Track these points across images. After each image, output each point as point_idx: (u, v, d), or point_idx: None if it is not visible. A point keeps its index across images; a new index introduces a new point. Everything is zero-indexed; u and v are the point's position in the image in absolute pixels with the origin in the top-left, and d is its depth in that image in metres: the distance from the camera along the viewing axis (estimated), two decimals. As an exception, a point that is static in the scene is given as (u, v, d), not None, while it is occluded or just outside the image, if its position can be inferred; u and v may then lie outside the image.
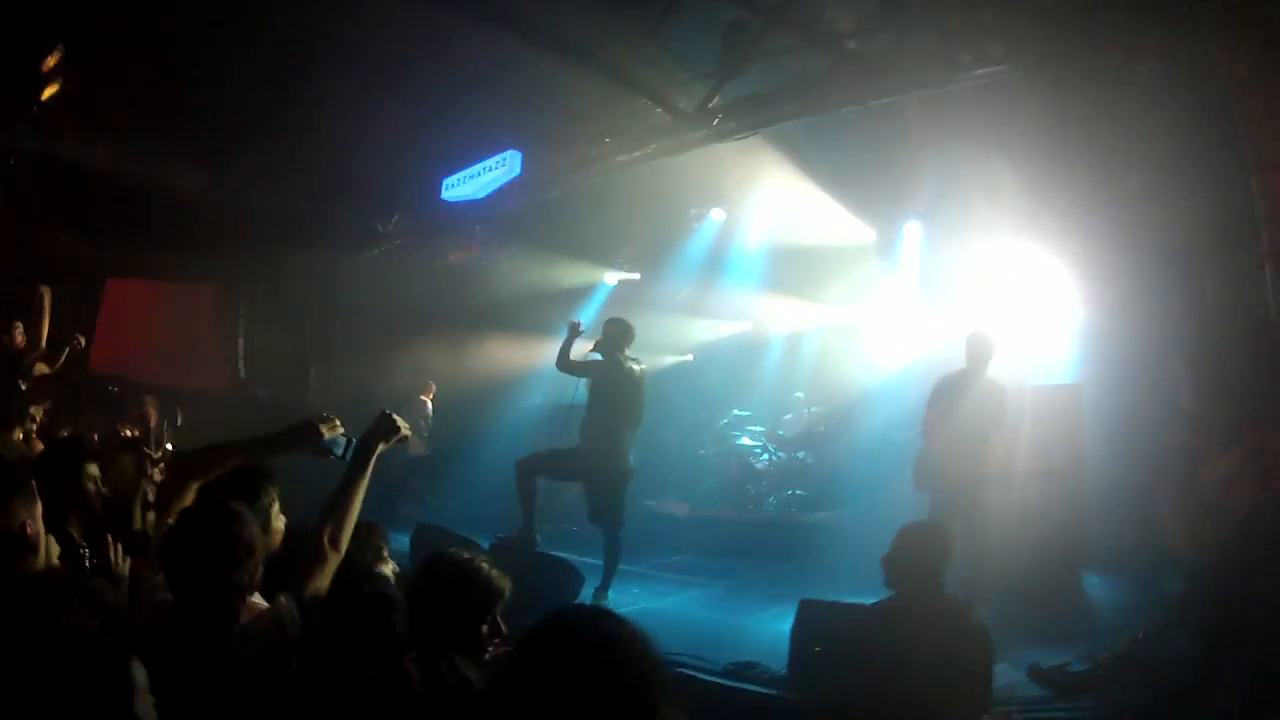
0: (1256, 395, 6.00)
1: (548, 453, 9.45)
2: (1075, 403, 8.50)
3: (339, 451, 3.97)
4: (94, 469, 4.98)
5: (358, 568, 3.98)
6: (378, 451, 3.89)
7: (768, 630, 7.92)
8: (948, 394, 8.03)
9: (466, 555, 3.62)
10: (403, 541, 9.72)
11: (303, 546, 3.84)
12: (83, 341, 8.69)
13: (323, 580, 3.66)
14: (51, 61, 9.52)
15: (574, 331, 9.27)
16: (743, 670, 6.76)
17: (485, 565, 3.55)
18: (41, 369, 9.19)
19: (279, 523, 4.05)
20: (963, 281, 10.06)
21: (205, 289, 15.78)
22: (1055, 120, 7.75)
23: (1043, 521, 8.00)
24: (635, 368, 9.07)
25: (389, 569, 4.63)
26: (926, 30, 8.27)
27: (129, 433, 9.56)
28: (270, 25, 8.84)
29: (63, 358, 9.41)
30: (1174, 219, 6.70)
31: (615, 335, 9.09)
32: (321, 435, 3.95)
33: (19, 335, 8.07)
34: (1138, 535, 7.60)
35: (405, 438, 3.98)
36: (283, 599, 3.47)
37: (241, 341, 15.61)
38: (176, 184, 11.91)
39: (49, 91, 9.78)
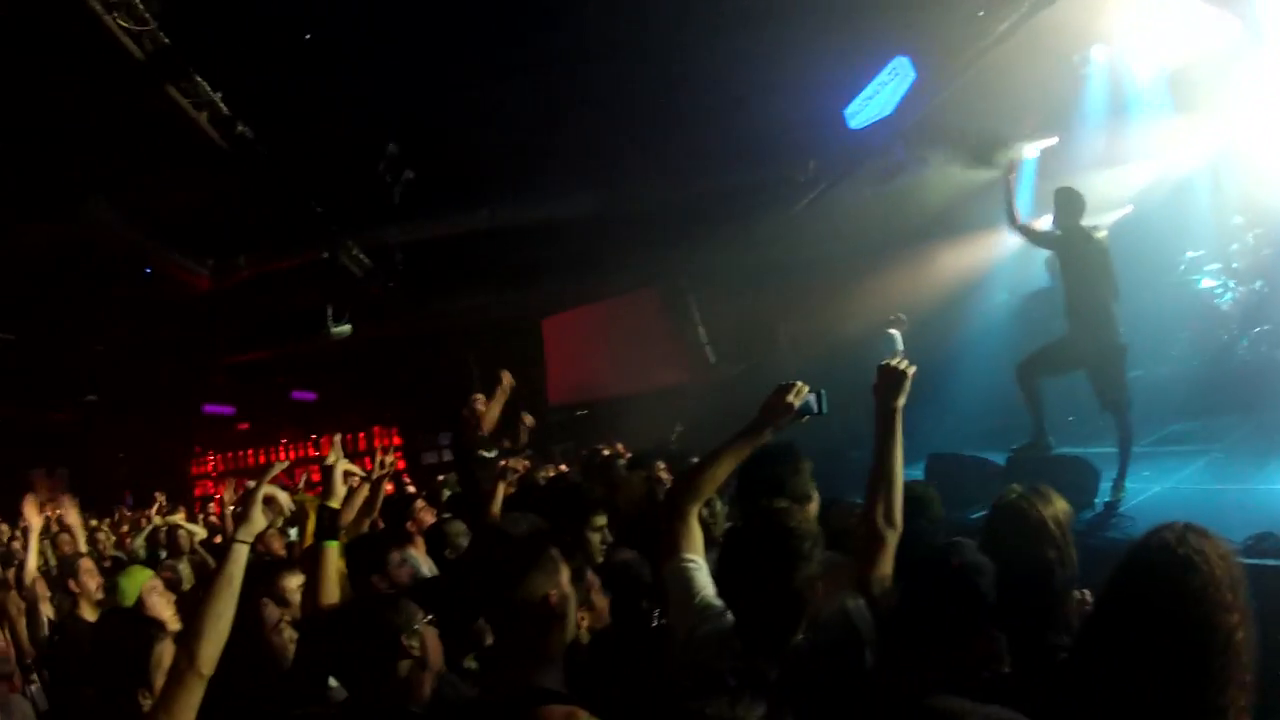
0: None
1: (1041, 351, 9.36)
2: None
3: (815, 408, 3.84)
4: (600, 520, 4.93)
5: (927, 538, 3.75)
6: (898, 408, 3.66)
7: (1273, 492, 7.96)
8: None
9: (1040, 497, 3.35)
10: (916, 475, 10.52)
11: (848, 533, 3.79)
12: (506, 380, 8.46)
13: (885, 565, 3.45)
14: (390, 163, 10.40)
15: (1010, 172, 9.40)
16: (1260, 544, 6.63)
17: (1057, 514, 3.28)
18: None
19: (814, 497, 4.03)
20: None
21: (642, 294, 16.72)
22: None
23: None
24: (1099, 235, 8.89)
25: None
26: None
27: (609, 451, 10.00)
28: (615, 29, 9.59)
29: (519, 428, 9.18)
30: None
31: (1067, 204, 8.93)
32: (789, 405, 3.76)
33: (480, 405, 8.05)
34: None
35: (910, 376, 3.71)
36: (849, 600, 3.40)
37: (701, 329, 16.55)
38: (575, 213, 12.74)
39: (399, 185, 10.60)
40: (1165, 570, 2.03)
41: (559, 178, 12.21)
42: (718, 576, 3.30)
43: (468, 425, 7.97)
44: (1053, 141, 13.06)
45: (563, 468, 10.96)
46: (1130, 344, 9.33)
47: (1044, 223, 9.42)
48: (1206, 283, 12.43)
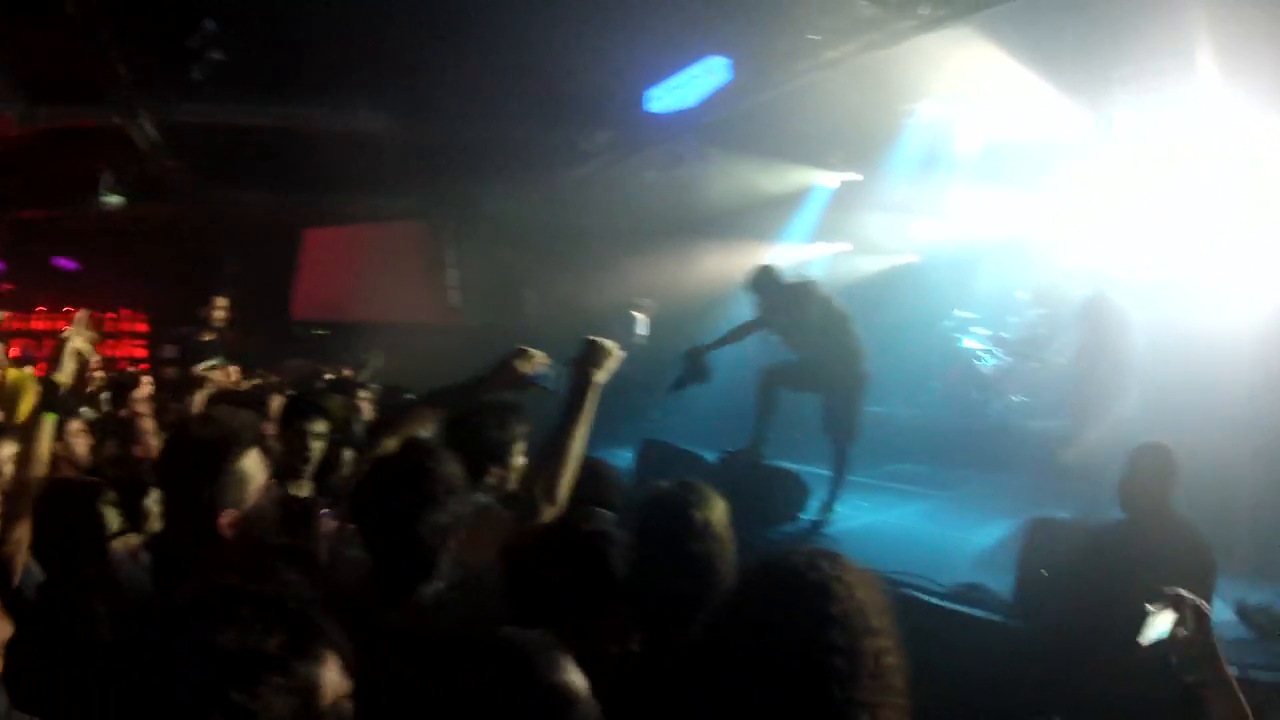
0: None
1: (787, 364, 9.47)
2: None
3: (549, 384, 3.80)
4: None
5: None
6: (597, 383, 3.55)
7: (991, 547, 7.96)
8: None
9: (691, 494, 3.14)
10: (625, 458, 10.10)
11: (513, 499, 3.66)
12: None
13: None
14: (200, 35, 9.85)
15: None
16: (967, 593, 6.80)
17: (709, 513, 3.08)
18: None
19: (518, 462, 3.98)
20: (1192, 168, 9.30)
21: (409, 227, 16.49)
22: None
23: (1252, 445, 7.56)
24: (814, 292, 9.09)
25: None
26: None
27: (337, 375, 9.95)
28: None
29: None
30: None
31: (765, 285, 9.15)
32: (520, 372, 3.72)
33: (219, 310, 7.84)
34: None
35: (618, 359, 3.65)
36: (485, 563, 3.18)
37: (452, 272, 16.28)
38: (364, 129, 12.32)
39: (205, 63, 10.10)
40: (795, 596, 1.92)
41: (356, 91, 11.72)
42: (352, 509, 3.20)
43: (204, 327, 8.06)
44: (856, 177, 13.07)
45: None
46: (879, 382, 9.65)
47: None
48: (970, 343, 12.55)
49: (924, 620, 6.26)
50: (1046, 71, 9.59)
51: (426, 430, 3.77)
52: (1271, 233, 8.58)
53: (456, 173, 13.86)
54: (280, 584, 1.77)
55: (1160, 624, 2.78)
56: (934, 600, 6.69)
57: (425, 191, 14.87)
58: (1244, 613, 6.18)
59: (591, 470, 3.88)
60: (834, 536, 8.47)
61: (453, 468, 3.09)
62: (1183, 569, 4.35)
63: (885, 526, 9.17)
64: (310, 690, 1.68)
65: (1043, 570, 6.17)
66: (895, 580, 6.73)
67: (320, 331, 14.70)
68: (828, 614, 1.87)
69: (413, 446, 3.23)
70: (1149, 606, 2.78)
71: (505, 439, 3.98)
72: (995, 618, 6.36)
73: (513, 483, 3.95)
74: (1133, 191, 10.28)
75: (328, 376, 9.74)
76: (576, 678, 1.78)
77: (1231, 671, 2.67)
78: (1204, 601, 2.75)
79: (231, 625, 1.62)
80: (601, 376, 3.56)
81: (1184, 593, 2.77)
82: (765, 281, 9.17)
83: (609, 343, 3.63)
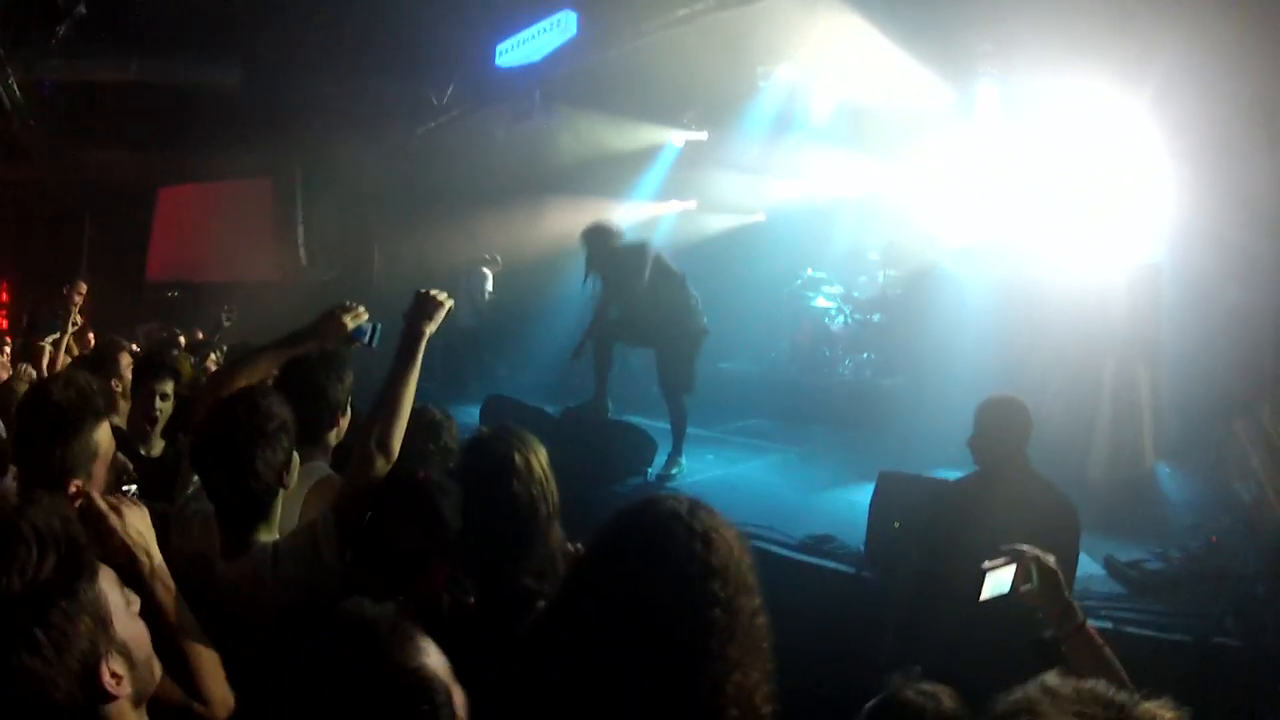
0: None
1: (620, 320, 9.21)
2: (1154, 284, 8.00)
3: (365, 339, 3.83)
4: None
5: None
6: (426, 334, 3.51)
7: (842, 501, 7.92)
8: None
9: (512, 436, 3.18)
10: (473, 414, 9.85)
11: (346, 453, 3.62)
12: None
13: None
14: None
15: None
16: (819, 544, 6.71)
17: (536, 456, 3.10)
18: None
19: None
20: (1041, 144, 9.47)
21: (259, 183, 16.02)
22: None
23: (1117, 405, 7.64)
24: (642, 250, 8.77)
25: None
26: None
27: (185, 338, 9.64)
28: None
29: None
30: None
31: (598, 240, 8.81)
32: (344, 325, 3.76)
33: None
34: (1212, 429, 7.27)
35: (448, 310, 3.61)
36: (319, 514, 3.18)
37: (301, 229, 15.77)
38: (215, 84, 12.00)
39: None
40: (677, 541, 1.85)
41: (209, 44, 11.39)
42: (192, 455, 3.17)
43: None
44: (701, 136, 13.00)
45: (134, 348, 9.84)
46: (727, 339, 9.89)
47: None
48: (821, 302, 12.54)
49: (776, 572, 6.19)
50: (908, 43, 9.60)
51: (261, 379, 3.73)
52: (1116, 204, 8.81)
53: (306, 129, 13.39)
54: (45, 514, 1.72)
55: (999, 580, 2.84)
56: (786, 552, 6.64)
57: (275, 148, 14.41)
58: (1114, 568, 6.32)
59: (428, 420, 4.15)
60: (683, 490, 7.79)
61: (284, 409, 3.12)
62: (1038, 521, 4.36)
63: (735, 480, 9.03)
64: (98, 606, 1.70)
65: (896, 522, 6.17)
66: (747, 533, 6.70)
67: (172, 293, 14.06)
68: (710, 564, 1.82)
69: (245, 390, 3.22)
70: (985, 564, 2.82)
71: (338, 390, 3.93)
72: (848, 569, 6.36)
73: (343, 433, 3.96)
74: (987, 162, 10.45)
75: (181, 339, 9.50)
76: (434, 659, 1.60)
77: (1093, 626, 2.72)
78: (1049, 556, 2.82)
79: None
80: (430, 327, 3.54)
81: (1024, 548, 2.83)
82: (596, 238, 8.84)
83: (439, 293, 3.59)
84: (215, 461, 3.00)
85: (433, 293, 3.57)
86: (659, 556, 1.83)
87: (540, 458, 3.11)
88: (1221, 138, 7.32)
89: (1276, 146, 6.88)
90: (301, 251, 15.85)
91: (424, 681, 1.53)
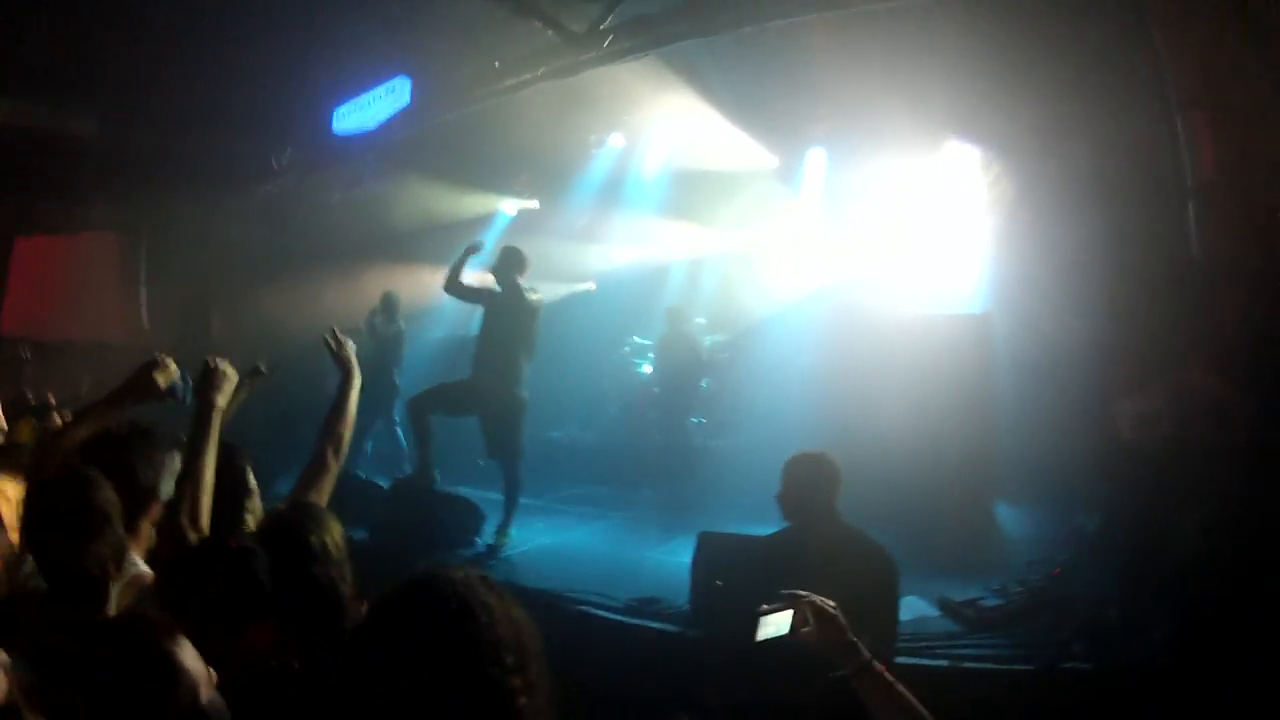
0: (1175, 333, 5.95)
1: (439, 388, 9.40)
2: (984, 332, 8.51)
3: (180, 395, 3.77)
4: None
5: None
6: (216, 405, 3.58)
7: (669, 563, 8.00)
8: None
9: (306, 517, 3.27)
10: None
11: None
12: None
13: None
14: None
15: (470, 251, 9.21)
16: (644, 606, 6.77)
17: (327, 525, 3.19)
18: None
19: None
20: (867, 207, 9.96)
21: (107, 238, 15.27)
22: (968, 42, 7.58)
23: (952, 451, 7.99)
24: (532, 297, 9.01)
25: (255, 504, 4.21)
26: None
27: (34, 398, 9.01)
28: None
29: None
30: (1097, 145, 6.68)
31: (511, 263, 9.06)
32: (156, 382, 3.72)
33: None
34: (1050, 466, 7.62)
35: (234, 382, 3.72)
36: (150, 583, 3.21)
37: (143, 290, 15.13)
38: (73, 131, 11.67)
39: None
40: (445, 610, 1.88)
41: (68, 92, 11.06)
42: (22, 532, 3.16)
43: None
44: (533, 205, 13.15)
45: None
46: (557, 405, 10.13)
47: (482, 279, 9.63)
48: (646, 368, 12.74)
49: (604, 635, 6.39)
50: (737, 113, 9.97)
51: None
52: (942, 258, 9.35)
53: (152, 184, 12.86)
54: None
55: (777, 622, 2.95)
56: (613, 616, 6.70)
57: (123, 203, 13.82)
58: (948, 607, 6.58)
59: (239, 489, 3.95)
60: (510, 559, 8.46)
61: (106, 496, 3.09)
62: (850, 570, 4.49)
63: (563, 548, 9.16)
64: None
65: (718, 581, 6.29)
66: (571, 598, 6.86)
67: (24, 352, 13.19)
68: (477, 637, 1.85)
69: (68, 477, 3.18)
70: (762, 606, 2.94)
71: (149, 472, 3.75)
72: (673, 628, 6.46)
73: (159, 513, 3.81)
74: (815, 223, 10.94)
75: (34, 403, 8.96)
76: (189, 658, 1.86)
77: (879, 664, 2.79)
78: (828, 601, 2.94)
79: None
80: (220, 399, 3.61)
81: (801, 593, 2.95)
82: (510, 258, 9.16)
83: (226, 365, 3.68)
84: (42, 552, 3.01)
85: (218, 364, 3.67)
86: (425, 627, 1.86)
87: (335, 537, 3.16)
88: (1035, 194, 7.89)
89: (1082, 203, 7.39)
90: (143, 312, 15.22)
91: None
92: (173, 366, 3.77)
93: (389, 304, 11.94)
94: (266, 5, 9.12)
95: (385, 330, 11.92)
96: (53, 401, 9.16)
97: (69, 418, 7.43)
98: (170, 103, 10.85)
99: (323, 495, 3.89)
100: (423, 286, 12.21)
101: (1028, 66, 7.34)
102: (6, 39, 9.47)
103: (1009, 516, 8.21)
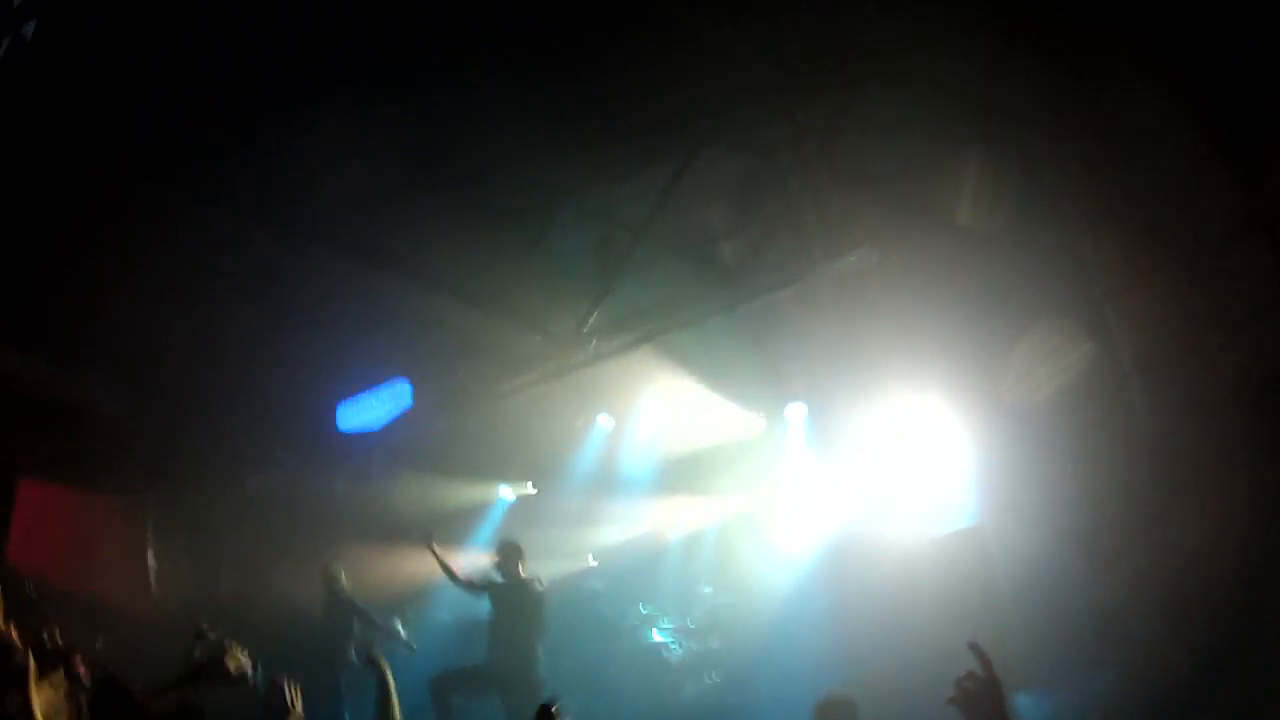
0: (1138, 501, 6.59)
1: (460, 671, 9.91)
2: (978, 543, 9.04)
3: (252, 676, 4.03)
4: None
5: None
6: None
7: None
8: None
9: None
10: None
11: None
12: None
13: None
14: None
15: (427, 542, 10.20)
16: None
17: None
18: None
19: None
20: (849, 449, 10.56)
21: (115, 500, 15.10)
22: (918, 291, 8.53)
23: (966, 661, 8.32)
24: (537, 587, 9.75)
25: None
26: (784, 228, 9.10)
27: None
28: (180, 256, 9.11)
29: None
30: (1046, 350, 7.41)
31: (510, 556, 9.86)
32: (230, 670, 3.95)
33: None
34: (1059, 649, 7.98)
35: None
36: None
37: (151, 555, 15.29)
38: (87, 395, 12.15)
39: None
40: None
41: (93, 358, 11.40)
42: None
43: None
44: (529, 490, 13.66)
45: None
46: (574, 680, 10.61)
47: (482, 572, 10.35)
48: (657, 636, 12.91)
49: None
50: (721, 385, 10.84)
51: None
52: (927, 484, 9.87)
53: (164, 456, 13.45)
54: None
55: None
56: None
57: (129, 470, 13.99)
58: None
59: None
60: None
61: None
62: None
63: None
64: None
65: None
66: None
67: (31, 593, 12.94)
68: None
69: None
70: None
71: None
72: None
73: None
74: (802, 474, 11.53)
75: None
76: None
77: None
78: None
79: None
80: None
81: None
82: (509, 552, 9.94)
83: (241, 659, 3.98)
84: None
85: (235, 660, 4.00)
86: None
87: None
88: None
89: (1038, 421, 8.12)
90: (152, 579, 15.20)
91: None
92: (240, 654, 3.97)
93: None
94: (277, 301, 9.88)
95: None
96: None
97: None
98: (181, 382, 11.42)
99: None
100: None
101: (971, 299, 8.22)
102: (23, 297, 10.01)
103: (1028, 704, 8.45)
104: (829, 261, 8.97)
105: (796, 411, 11.41)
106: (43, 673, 4.93)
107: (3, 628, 5.67)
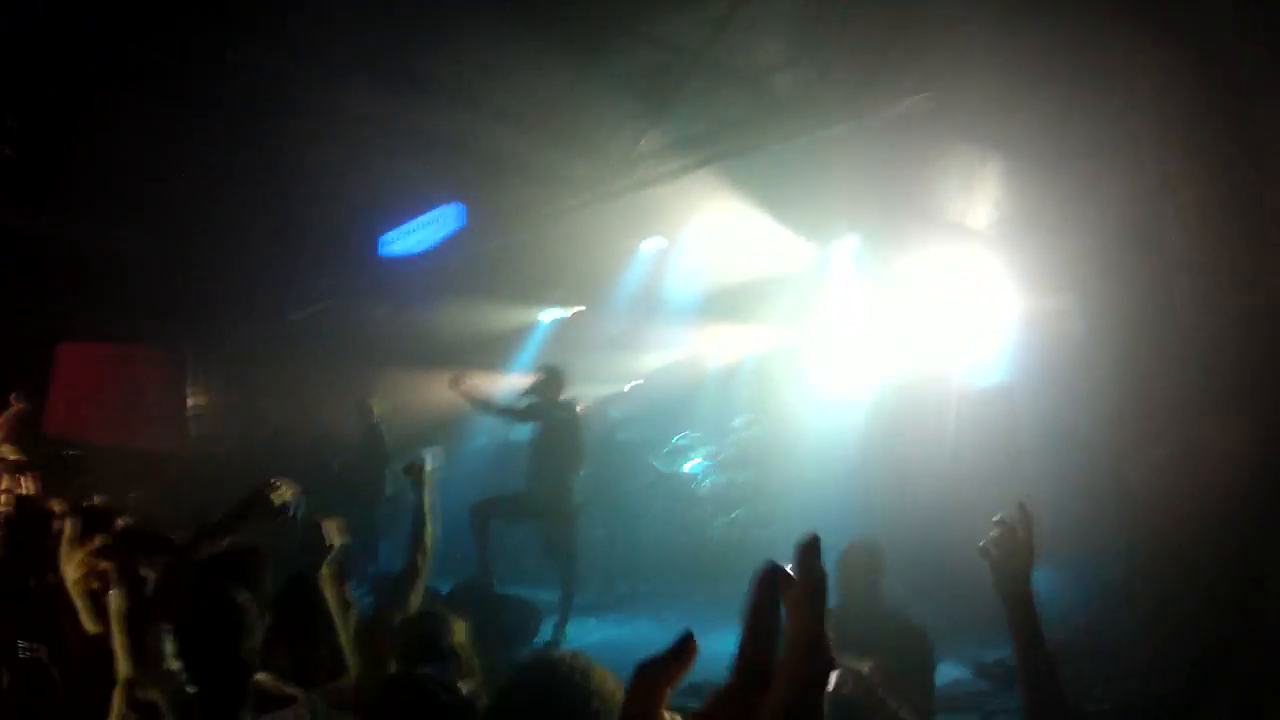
0: (1174, 392, 6.46)
1: (497, 498, 10.06)
2: (1007, 401, 9.04)
3: (293, 511, 4.04)
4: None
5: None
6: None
7: (719, 649, 8.24)
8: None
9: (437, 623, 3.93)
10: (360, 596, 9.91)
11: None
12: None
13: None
14: None
15: (457, 386, 9.83)
16: (696, 689, 7.04)
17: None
18: None
19: None
20: (899, 295, 10.43)
21: (154, 350, 15.93)
22: (979, 142, 8.28)
23: (985, 521, 8.38)
24: (571, 409, 9.83)
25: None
26: (843, 68, 8.77)
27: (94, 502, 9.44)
28: (216, 95, 8.90)
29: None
30: (1097, 225, 7.17)
31: (551, 382, 9.82)
32: (273, 504, 3.98)
33: None
34: (1074, 527, 7.90)
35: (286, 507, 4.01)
36: (300, 699, 3.47)
37: (190, 400, 15.75)
38: (120, 248, 12.07)
39: None
40: (563, 676, 2.10)
41: (120, 206, 11.18)
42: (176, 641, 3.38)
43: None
44: (580, 309, 13.86)
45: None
46: (600, 506, 10.98)
47: (521, 397, 10.29)
48: (689, 466, 13.11)
49: None
50: (772, 215, 10.61)
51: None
52: (966, 334, 9.79)
53: (198, 300, 13.65)
54: None
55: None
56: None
57: (169, 317, 14.53)
58: (982, 671, 7.09)
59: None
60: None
61: (252, 604, 3.49)
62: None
63: (617, 641, 9.57)
64: None
65: None
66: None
67: (72, 452, 13.56)
68: (590, 689, 2.07)
69: (219, 588, 3.54)
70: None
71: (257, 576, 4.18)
72: None
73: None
74: (844, 311, 11.43)
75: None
76: None
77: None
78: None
79: None
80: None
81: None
82: (551, 377, 9.91)
83: (284, 490, 4.06)
84: (201, 650, 3.30)
85: (273, 495, 4.02)
86: (553, 690, 2.10)
87: (460, 637, 3.92)
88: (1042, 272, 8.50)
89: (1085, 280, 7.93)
90: (192, 423, 15.76)
91: None
92: (284, 487, 4.00)
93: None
94: (316, 131, 9.67)
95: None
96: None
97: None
98: (218, 222, 11.40)
99: (418, 596, 4.40)
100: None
101: (1030, 156, 7.93)
102: (57, 153, 10.04)
103: (1041, 578, 8.56)
104: (885, 105, 8.64)
105: (845, 247, 11.24)
106: (84, 538, 5.10)
107: (40, 497, 5.87)
